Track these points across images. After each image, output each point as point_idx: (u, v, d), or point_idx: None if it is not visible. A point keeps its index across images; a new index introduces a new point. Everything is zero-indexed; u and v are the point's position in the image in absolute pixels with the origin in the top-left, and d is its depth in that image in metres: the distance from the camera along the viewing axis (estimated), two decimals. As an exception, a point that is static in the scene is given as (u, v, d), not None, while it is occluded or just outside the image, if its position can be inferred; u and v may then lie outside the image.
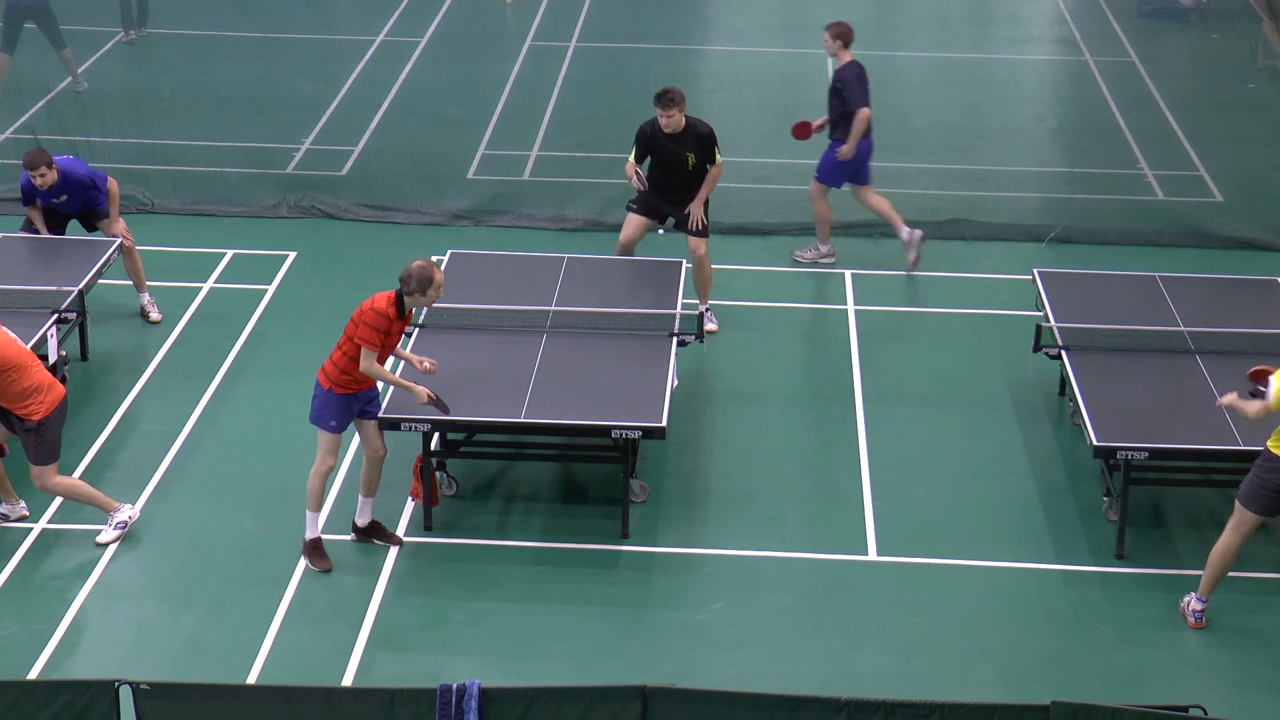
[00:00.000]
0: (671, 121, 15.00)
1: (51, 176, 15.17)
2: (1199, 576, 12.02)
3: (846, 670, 11.31)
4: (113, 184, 15.68)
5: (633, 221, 15.54)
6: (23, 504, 12.76)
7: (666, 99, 14.98)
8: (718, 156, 15.30)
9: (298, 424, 14.07)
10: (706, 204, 15.41)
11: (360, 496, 12.52)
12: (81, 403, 14.47)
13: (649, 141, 15.20)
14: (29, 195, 15.46)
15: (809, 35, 24.75)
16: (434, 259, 12.36)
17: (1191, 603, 11.83)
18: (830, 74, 16.72)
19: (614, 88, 21.69)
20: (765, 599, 12.10)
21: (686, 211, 15.39)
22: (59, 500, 12.96)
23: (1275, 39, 23.58)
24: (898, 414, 14.51)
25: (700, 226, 15.37)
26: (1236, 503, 11.53)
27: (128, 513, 12.63)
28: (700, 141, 15.17)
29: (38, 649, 11.36)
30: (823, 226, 17.23)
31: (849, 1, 26.92)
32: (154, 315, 15.83)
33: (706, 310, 15.44)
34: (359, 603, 11.90)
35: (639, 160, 15.29)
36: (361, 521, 12.55)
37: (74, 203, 15.46)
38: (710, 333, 15.45)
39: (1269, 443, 11.33)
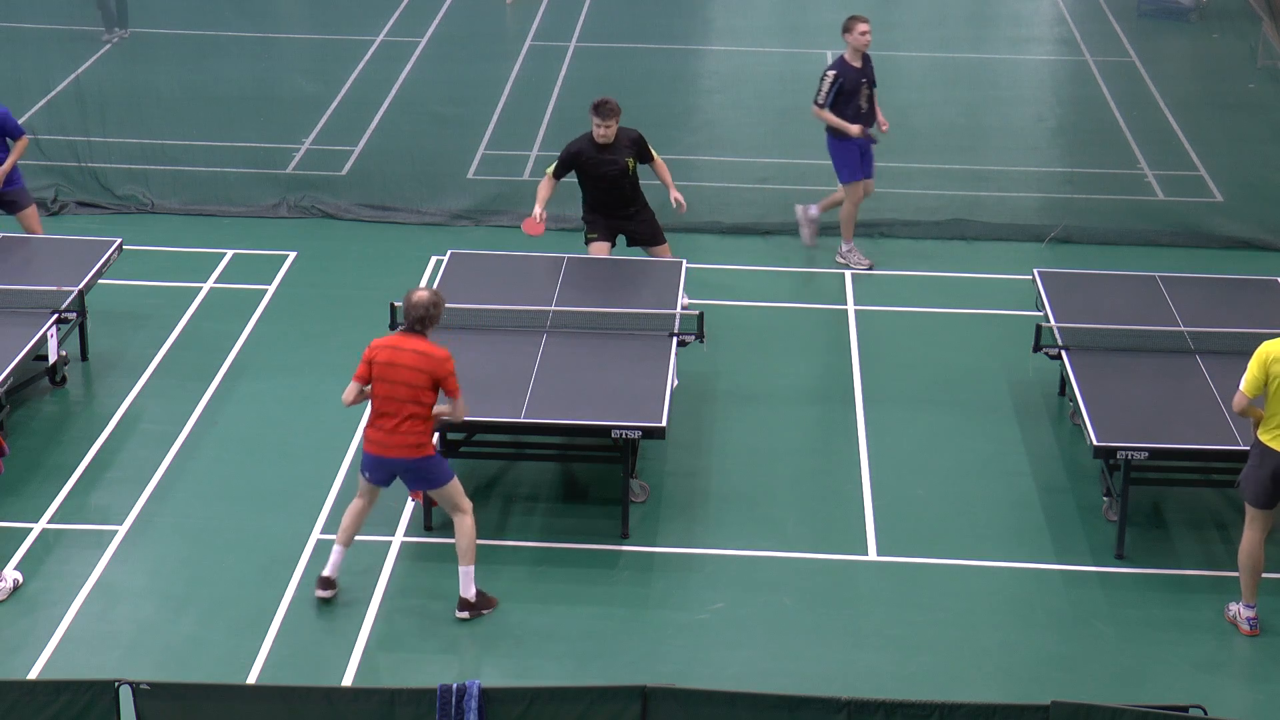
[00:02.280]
0: (609, 132, 14.85)
1: None
2: (1199, 576, 12.03)
3: (846, 670, 11.31)
4: (23, 140, 15.73)
5: (598, 250, 15.26)
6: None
7: (606, 110, 14.81)
8: (654, 153, 15.24)
9: (298, 424, 14.12)
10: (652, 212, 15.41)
11: (339, 547, 11.94)
12: (81, 403, 14.49)
13: (579, 158, 14.95)
14: None
15: (809, 35, 24.80)
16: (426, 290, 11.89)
17: (1241, 610, 11.76)
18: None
19: (614, 88, 21.57)
20: (765, 599, 12.09)
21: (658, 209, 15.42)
22: (59, 500, 12.98)
23: (1275, 39, 23.59)
24: (898, 414, 14.51)
25: (659, 233, 15.32)
26: (1246, 504, 11.56)
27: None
28: (634, 144, 15.07)
29: (38, 649, 11.36)
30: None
31: (849, 1, 26.98)
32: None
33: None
34: (359, 603, 11.90)
35: (558, 176, 15.07)
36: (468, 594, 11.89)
37: None
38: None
39: (1259, 433, 11.42)
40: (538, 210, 15.05)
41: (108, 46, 23.10)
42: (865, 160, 16.85)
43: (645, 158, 15.20)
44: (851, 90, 16.53)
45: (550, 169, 15.16)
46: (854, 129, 16.48)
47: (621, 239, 15.45)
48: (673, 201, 15.42)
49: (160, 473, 13.42)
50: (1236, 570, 11.94)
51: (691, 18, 26.07)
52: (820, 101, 16.56)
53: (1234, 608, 11.82)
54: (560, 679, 10.83)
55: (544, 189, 15.16)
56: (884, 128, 16.82)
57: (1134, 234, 18.05)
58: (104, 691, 9.30)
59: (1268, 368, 11.28)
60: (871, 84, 16.62)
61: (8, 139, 15.61)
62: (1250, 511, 11.55)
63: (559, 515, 13.08)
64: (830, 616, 11.92)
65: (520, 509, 13.12)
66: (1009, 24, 26.04)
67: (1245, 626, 11.73)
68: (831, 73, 16.54)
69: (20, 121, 16.33)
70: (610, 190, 15.11)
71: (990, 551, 12.68)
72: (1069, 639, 11.73)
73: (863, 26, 16.44)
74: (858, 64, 16.54)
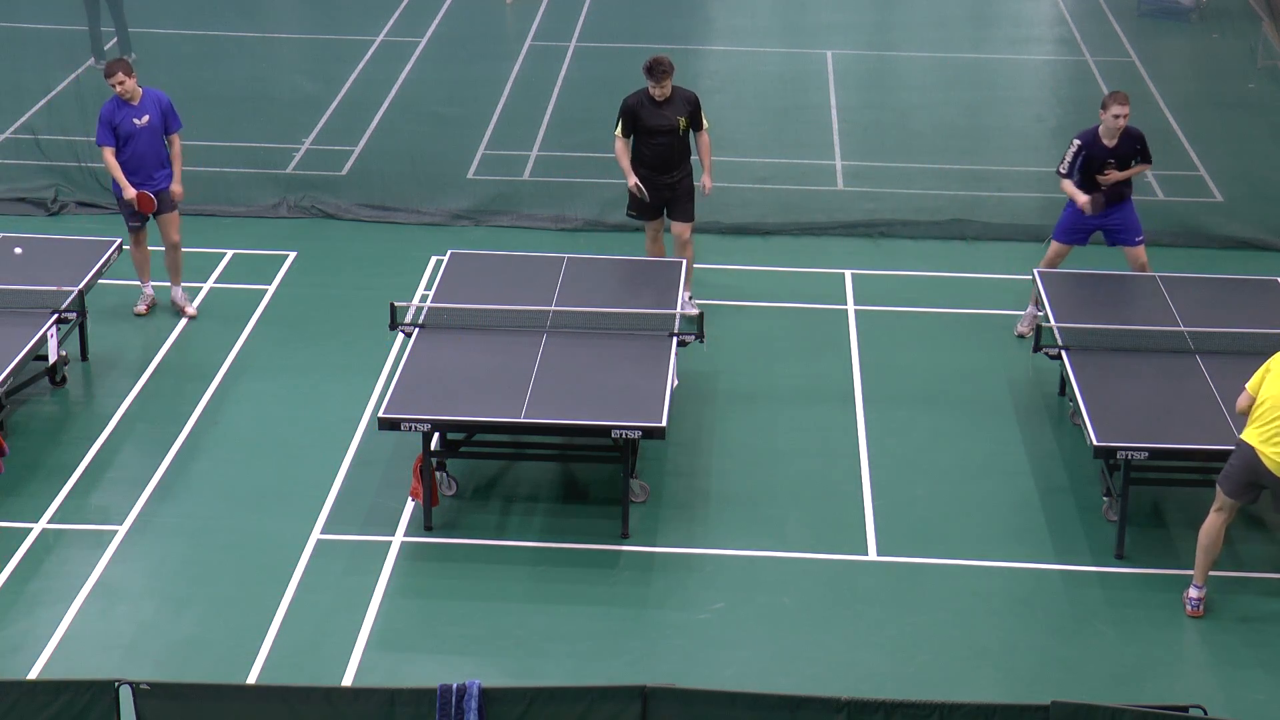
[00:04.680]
0: (664, 91, 15.23)
1: (132, 84, 15.33)
2: (1199, 576, 12.04)
3: (846, 670, 11.31)
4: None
5: (650, 230, 15.74)
6: None
7: (660, 71, 15.14)
8: (705, 122, 15.53)
9: (298, 424, 14.13)
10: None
11: None
12: (81, 403, 14.49)
13: (635, 111, 15.36)
14: (108, 128, 15.43)
15: (809, 35, 24.81)
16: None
17: (1189, 591, 11.89)
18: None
19: (614, 88, 21.53)
20: (765, 599, 12.09)
21: (681, 188, 15.49)
22: (59, 500, 12.98)
23: (1275, 39, 23.59)
24: (898, 414, 14.51)
25: (691, 210, 15.58)
26: (1217, 486, 11.68)
27: None
28: (689, 104, 15.40)
29: (38, 649, 11.36)
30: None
31: (849, 2, 27.00)
32: (190, 309, 15.86)
33: (689, 297, 15.53)
34: (359, 603, 11.90)
35: (626, 134, 15.44)
36: None
37: (154, 126, 15.49)
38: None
39: (1243, 433, 11.50)
40: (632, 181, 15.40)
41: (108, 46, 23.10)
42: (1082, 230, 15.48)
43: (697, 124, 15.49)
44: (1094, 166, 15.19)
45: (618, 130, 15.51)
46: (1081, 199, 15.12)
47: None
48: (703, 185, 15.73)
49: (160, 473, 13.42)
50: (1238, 570, 11.97)
51: (691, 18, 26.07)
52: (1061, 170, 15.35)
53: (1188, 589, 11.95)
54: (560, 679, 10.83)
55: (621, 152, 15.51)
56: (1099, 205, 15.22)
57: (1134, 234, 18.02)
58: (104, 691, 9.30)
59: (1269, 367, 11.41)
60: (1121, 165, 15.12)
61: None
62: (1221, 498, 11.65)
63: (559, 515, 13.07)
64: (830, 616, 11.92)
65: (520, 509, 13.12)
66: (1009, 24, 26.03)
67: (1189, 607, 11.85)
68: (1076, 142, 15.21)
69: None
70: (660, 147, 15.39)
71: (990, 551, 12.68)
72: (1069, 639, 11.73)
73: (1115, 109, 14.87)
74: (1110, 142, 15.04)
